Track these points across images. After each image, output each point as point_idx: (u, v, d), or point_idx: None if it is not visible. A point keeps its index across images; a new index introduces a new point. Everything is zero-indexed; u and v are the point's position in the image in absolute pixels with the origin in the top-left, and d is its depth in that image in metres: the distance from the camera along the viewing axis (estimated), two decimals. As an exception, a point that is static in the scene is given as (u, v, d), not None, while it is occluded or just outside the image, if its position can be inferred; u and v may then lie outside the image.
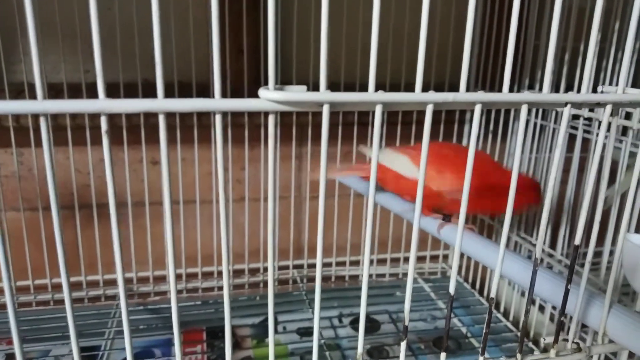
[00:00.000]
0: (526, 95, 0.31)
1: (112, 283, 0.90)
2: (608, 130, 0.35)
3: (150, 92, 0.27)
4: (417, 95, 0.29)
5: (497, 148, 0.93)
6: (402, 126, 0.93)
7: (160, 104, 0.27)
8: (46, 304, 0.88)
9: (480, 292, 0.98)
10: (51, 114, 0.26)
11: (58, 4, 0.76)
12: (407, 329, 0.34)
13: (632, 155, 0.69)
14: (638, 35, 0.66)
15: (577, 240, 0.36)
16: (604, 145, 0.36)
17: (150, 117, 0.81)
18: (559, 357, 0.39)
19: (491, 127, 0.92)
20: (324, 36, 0.27)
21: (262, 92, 0.27)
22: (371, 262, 1.02)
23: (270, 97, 0.27)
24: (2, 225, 0.87)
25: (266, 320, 0.86)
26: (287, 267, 0.99)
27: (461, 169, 0.33)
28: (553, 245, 0.84)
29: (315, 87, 0.28)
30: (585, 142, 0.77)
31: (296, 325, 0.85)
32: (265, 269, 0.98)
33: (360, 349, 0.34)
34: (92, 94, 0.79)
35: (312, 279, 0.99)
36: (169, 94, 0.26)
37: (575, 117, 0.77)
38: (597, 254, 0.67)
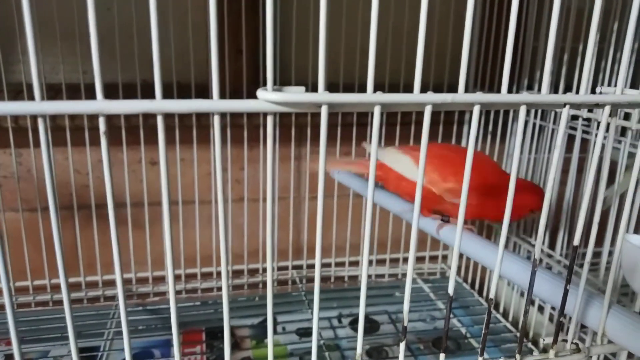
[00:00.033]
0: (525, 96, 0.31)
1: (111, 284, 0.90)
2: (607, 130, 0.35)
3: (149, 93, 0.27)
4: (416, 96, 0.29)
5: (496, 149, 0.93)
6: (401, 127, 0.93)
7: (159, 105, 0.27)
8: (45, 304, 0.88)
9: (480, 293, 0.98)
10: (49, 115, 0.26)
11: (57, 4, 0.76)
12: (406, 330, 0.34)
13: (631, 155, 0.69)
14: (636, 36, 0.67)
15: (576, 240, 0.36)
16: (603, 146, 0.36)
17: (149, 117, 0.81)
18: (558, 357, 0.39)
19: (490, 127, 0.92)
20: (323, 37, 0.27)
21: (260, 93, 0.27)
22: (370, 262, 1.02)
23: (268, 98, 0.27)
24: (0, 226, 0.87)
25: (265, 320, 0.86)
26: (286, 268, 0.99)
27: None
28: (552, 245, 0.84)
29: (314, 88, 0.28)
30: (584, 143, 0.77)
31: (295, 325, 0.85)
32: (265, 270, 0.98)
33: (359, 350, 0.34)
34: (91, 94, 0.79)
35: (311, 280, 0.99)
36: (168, 94, 0.26)
37: (574, 117, 0.78)
38: (596, 255, 0.66)
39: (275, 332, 0.83)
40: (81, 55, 0.79)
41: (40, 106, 0.26)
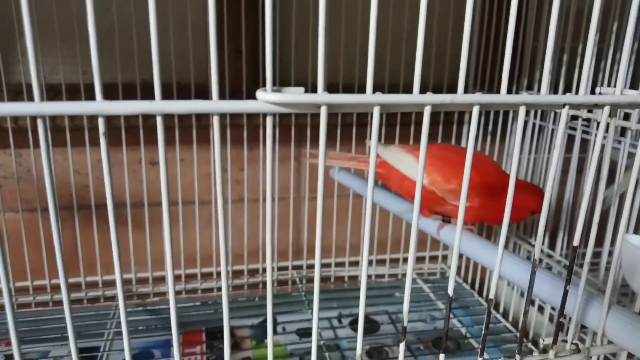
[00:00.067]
0: (524, 97, 0.31)
1: (111, 284, 0.90)
2: (606, 131, 0.35)
3: (149, 93, 0.27)
4: (415, 96, 0.29)
5: (495, 149, 0.93)
6: (400, 127, 0.93)
7: (158, 105, 0.27)
8: (45, 304, 0.88)
9: (480, 293, 0.98)
10: (49, 115, 0.26)
11: (56, 5, 0.76)
12: (406, 330, 0.34)
13: (631, 155, 0.69)
14: (636, 36, 0.67)
15: (576, 240, 0.36)
16: (603, 146, 0.36)
17: (149, 118, 0.81)
18: (558, 358, 0.39)
19: (490, 127, 0.92)
20: (322, 37, 0.27)
21: (259, 93, 0.27)
22: (370, 262, 1.02)
23: (267, 99, 0.27)
24: (0, 226, 0.87)
25: (265, 321, 0.86)
26: (286, 268, 0.99)
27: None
28: (552, 246, 0.84)
29: (314, 89, 0.28)
30: (584, 143, 0.77)
31: (295, 326, 0.85)
32: (265, 270, 0.98)
33: (359, 350, 0.34)
34: (91, 94, 0.79)
35: (311, 280, 0.99)
36: (167, 94, 0.26)
37: (573, 117, 0.78)
38: (596, 255, 0.67)
39: (275, 332, 0.83)
40: (81, 55, 0.79)
41: (39, 107, 0.26)
